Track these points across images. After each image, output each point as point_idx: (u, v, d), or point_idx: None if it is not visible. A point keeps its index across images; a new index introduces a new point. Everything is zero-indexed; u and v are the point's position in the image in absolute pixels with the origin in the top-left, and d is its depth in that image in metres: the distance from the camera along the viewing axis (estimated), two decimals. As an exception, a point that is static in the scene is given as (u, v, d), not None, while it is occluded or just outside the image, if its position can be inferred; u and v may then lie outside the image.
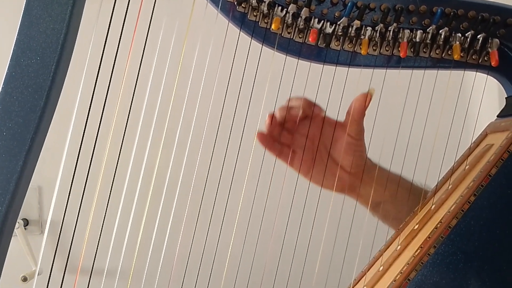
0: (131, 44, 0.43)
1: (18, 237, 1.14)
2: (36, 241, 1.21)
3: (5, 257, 0.38)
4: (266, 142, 0.56)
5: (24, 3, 0.37)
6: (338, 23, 0.47)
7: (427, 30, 0.48)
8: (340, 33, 0.48)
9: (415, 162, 0.53)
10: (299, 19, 0.47)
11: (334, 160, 0.57)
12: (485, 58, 0.49)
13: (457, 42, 0.48)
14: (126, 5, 0.41)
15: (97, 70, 0.40)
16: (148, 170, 0.48)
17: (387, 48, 0.49)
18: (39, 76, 0.37)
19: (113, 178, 0.44)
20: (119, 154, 0.44)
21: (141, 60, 0.43)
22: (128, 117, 0.44)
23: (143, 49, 0.43)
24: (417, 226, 0.49)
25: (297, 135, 0.57)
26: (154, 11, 0.43)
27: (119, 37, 0.41)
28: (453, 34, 0.48)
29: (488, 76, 0.52)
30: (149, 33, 0.43)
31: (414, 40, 0.48)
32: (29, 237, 1.18)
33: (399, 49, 0.48)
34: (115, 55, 0.41)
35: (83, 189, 0.41)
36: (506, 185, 0.45)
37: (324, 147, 0.57)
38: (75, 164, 0.40)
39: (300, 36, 0.48)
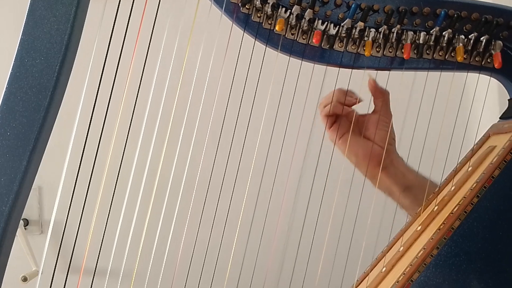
0: (135, 45, 0.43)
1: (18, 237, 1.14)
2: (36, 241, 1.21)
3: (8, 256, 0.38)
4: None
5: (29, 4, 0.37)
6: (342, 24, 0.47)
7: (431, 32, 0.48)
8: (344, 35, 0.48)
9: (418, 163, 0.54)
10: (303, 20, 0.47)
11: (367, 138, 0.62)
12: (488, 60, 0.50)
13: (460, 44, 0.48)
14: (130, 5, 0.41)
15: (101, 70, 0.40)
16: (151, 171, 0.48)
17: (390, 50, 0.49)
18: (43, 76, 0.37)
19: (117, 179, 0.44)
20: (123, 155, 0.44)
21: (145, 60, 0.43)
22: (131, 118, 0.44)
23: (147, 49, 0.43)
24: (420, 227, 0.49)
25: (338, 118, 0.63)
26: (158, 12, 0.43)
27: (123, 38, 0.41)
28: (456, 36, 0.49)
29: (491, 78, 0.52)
30: (153, 33, 0.43)
31: (417, 41, 0.48)
32: (29, 237, 1.18)
33: (403, 50, 0.49)
34: (119, 55, 0.41)
35: (86, 190, 0.41)
36: (509, 187, 0.46)
37: (357, 128, 0.62)
38: (78, 164, 0.40)
39: (304, 37, 0.48)
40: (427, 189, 0.55)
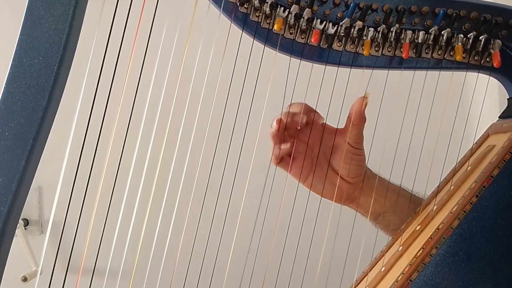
0: (134, 44, 0.43)
1: (18, 237, 1.14)
2: (36, 241, 1.21)
3: (7, 257, 0.38)
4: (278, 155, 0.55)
5: (27, 3, 0.37)
6: (341, 24, 0.47)
7: (429, 31, 0.48)
8: (342, 34, 0.48)
9: (417, 163, 0.54)
10: (302, 19, 0.47)
11: (334, 168, 0.57)
12: (487, 59, 0.50)
13: (459, 43, 0.48)
14: (129, 5, 0.41)
15: (100, 70, 0.40)
16: (150, 170, 0.48)
17: (389, 49, 0.49)
18: (41, 76, 0.37)
19: (115, 178, 0.44)
20: (121, 154, 0.44)
21: (143, 60, 0.43)
22: (130, 118, 0.44)
23: (145, 49, 0.43)
24: (419, 227, 0.49)
25: (297, 142, 0.56)
26: (156, 11, 0.43)
27: (121, 37, 0.41)
28: (455, 35, 0.49)
29: (490, 77, 0.52)
30: (151, 33, 0.43)
31: (416, 41, 0.48)
32: (29, 237, 1.18)
33: (401, 50, 0.48)
34: (117, 55, 0.41)
35: (85, 189, 0.41)
36: (508, 186, 0.45)
37: (323, 155, 0.57)
38: (77, 163, 0.40)
39: (303, 37, 0.48)
40: (408, 206, 0.52)
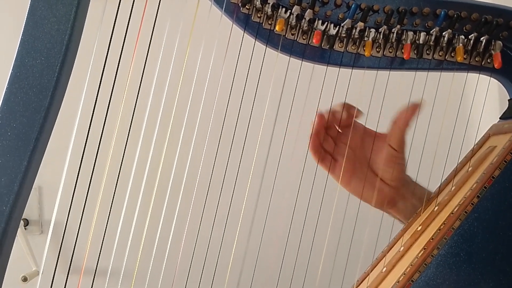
0: (135, 45, 0.43)
1: (18, 237, 1.14)
2: (36, 241, 1.21)
3: (9, 257, 0.38)
4: (316, 147, 0.55)
5: (29, 4, 0.37)
6: (342, 24, 0.47)
7: (431, 32, 0.48)
8: (344, 35, 0.48)
9: (418, 163, 0.54)
10: (303, 20, 0.47)
11: (374, 172, 0.57)
12: (488, 60, 0.50)
13: (460, 44, 0.48)
14: (131, 6, 0.41)
15: (102, 71, 0.40)
16: (151, 170, 0.48)
17: (390, 50, 0.49)
18: (43, 76, 0.37)
19: (117, 178, 0.44)
20: (123, 155, 0.44)
21: (145, 61, 0.43)
22: (132, 118, 0.44)
23: (147, 50, 0.43)
24: (420, 227, 0.49)
25: (339, 143, 0.57)
26: (158, 12, 0.43)
27: (123, 38, 0.41)
28: (456, 36, 0.49)
29: (491, 78, 0.52)
30: (153, 34, 0.43)
31: (417, 42, 0.49)
32: (29, 237, 1.18)
33: (403, 51, 0.49)
34: (119, 55, 0.41)
35: (86, 189, 0.41)
36: (509, 187, 0.46)
37: (365, 158, 0.57)
38: (79, 164, 0.40)
39: (304, 37, 0.48)
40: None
